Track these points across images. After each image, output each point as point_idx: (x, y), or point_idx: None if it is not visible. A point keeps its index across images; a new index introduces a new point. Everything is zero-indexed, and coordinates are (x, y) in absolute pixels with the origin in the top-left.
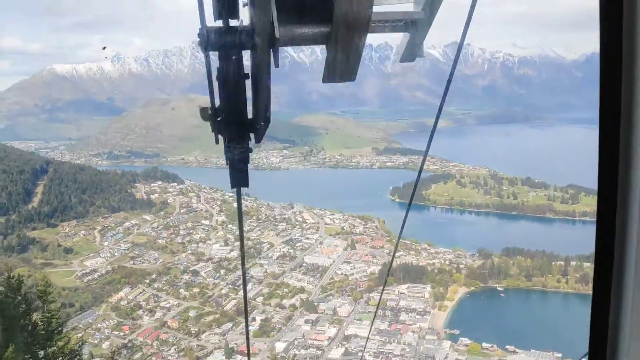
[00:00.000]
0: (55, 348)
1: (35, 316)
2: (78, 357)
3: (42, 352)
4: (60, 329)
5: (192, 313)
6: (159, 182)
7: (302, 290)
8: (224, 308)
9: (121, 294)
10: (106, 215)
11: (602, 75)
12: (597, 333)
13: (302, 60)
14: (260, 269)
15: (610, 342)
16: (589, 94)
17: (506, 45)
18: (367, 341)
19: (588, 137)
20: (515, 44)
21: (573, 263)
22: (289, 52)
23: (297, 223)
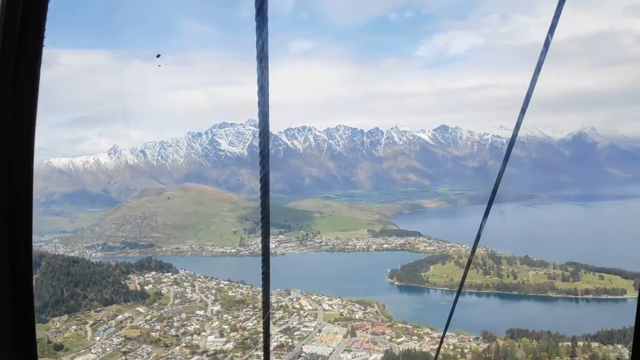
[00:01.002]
0: None
1: None
2: None
3: None
4: None
5: None
6: (153, 273)
7: None
8: None
9: None
10: (98, 309)
11: None
12: None
13: (295, 147)
14: None
15: None
16: (578, 171)
17: (493, 127)
18: None
19: (582, 214)
20: (502, 126)
21: (580, 343)
22: (282, 140)
23: (294, 310)
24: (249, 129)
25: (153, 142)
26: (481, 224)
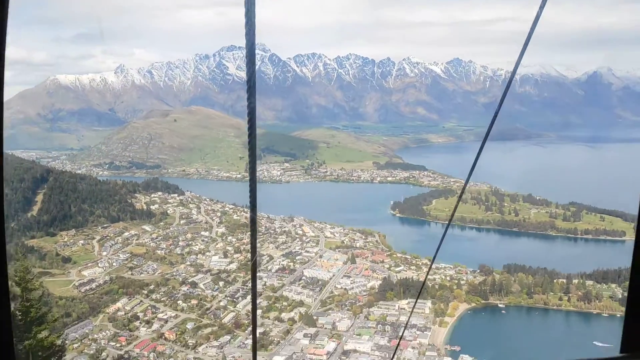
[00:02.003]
0: (34, 341)
1: (13, 306)
2: (60, 351)
3: (19, 346)
4: (40, 320)
5: (189, 325)
6: (159, 193)
7: (301, 303)
8: (222, 320)
9: (119, 304)
10: (105, 225)
11: None
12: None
13: (304, 74)
14: (259, 281)
15: None
16: (590, 112)
17: (508, 63)
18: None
19: (589, 156)
20: None
21: (575, 281)
22: (291, 67)
23: (297, 236)
24: (258, 53)
25: (160, 63)
26: (475, 160)
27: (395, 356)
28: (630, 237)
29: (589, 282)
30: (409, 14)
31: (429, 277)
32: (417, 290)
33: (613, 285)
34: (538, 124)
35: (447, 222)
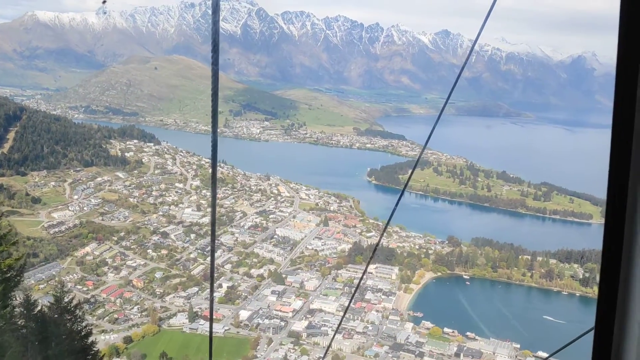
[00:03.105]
0: None
1: None
2: (18, 274)
3: None
4: None
5: (158, 274)
6: (135, 141)
7: (271, 261)
8: (191, 272)
9: (87, 249)
10: (78, 169)
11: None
12: (602, 333)
13: (291, 32)
14: (231, 237)
15: (616, 349)
16: (570, 95)
17: (495, 40)
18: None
19: (566, 138)
20: (504, 39)
21: (539, 258)
22: (278, 23)
23: (272, 195)
24: (245, 6)
25: (144, 8)
26: (431, 131)
27: (353, 317)
28: (598, 221)
29: (553, 261)
30: None
31: (399, 244)
32: (386, 256)
33: (575, 266)
34: (519, 103)
35: (422, 193)
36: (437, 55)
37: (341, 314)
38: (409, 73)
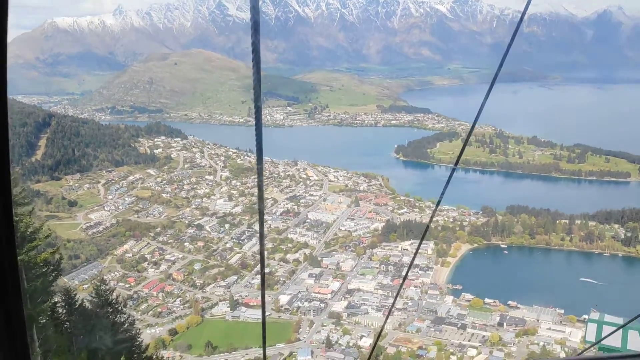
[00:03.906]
0: (25, 257)
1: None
2: (55, 269)
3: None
4: (33, 236)
5: (197, 266)
6: (162, 137)
7: (305, 245)
8: (229, 262)
9: (126, 246)
10: (110, 169)
11: None
12: None
13: (306, 15)
14: (265, 224)
15: None
16: (598, 52)
17: (515, 2)
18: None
19: (595, 97)
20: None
21: (578, 222)
22: (293, 7)
23: (301, 180)
24: None
25: (159, 4)
26: (483, 102)
27: (398, 295)
28: (636, 178)
29: (592, 223)
30: None
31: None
32: (421, 232)
33: (616, 226)
34: (545, 65)
35: (451, 165)
36: (456, 23)
37: (380, 292)
38: (428, 44)
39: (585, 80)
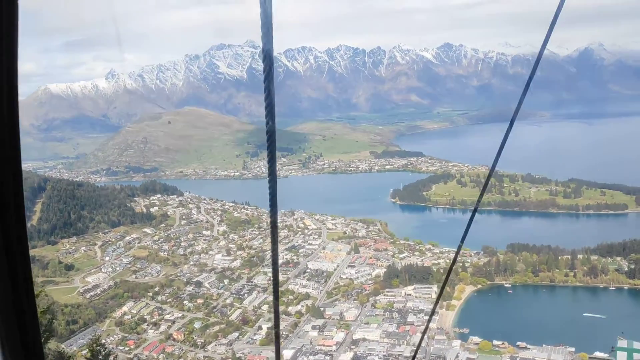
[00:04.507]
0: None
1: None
2: (46, 330)
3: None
4: (45, 330)
5: (197, 324)
6: (158, 195)
7: (307, 296)
8: (229, 318)
9: (125, 308)
10: (106, 231)
11: None
12: None
13: (295, 68)
14: (264, 277)
15: None
16: (583, 89)
17: (499, 45)
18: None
19: (585, 132)
20: (508, 43)
21: (580, 256)
22: (282, 61)
23: (299, 229)
24: (248, 50)
25: (151, 66)
26: (499, 149)
27: (418, 348)
28: (633, 209)
29: (594, 257)
30: (396, 2)
31: (433, 262)
32: (423, 275)
33: (618, 259)
34: (532, 103)
35: (449, 207)
36: (442, 68)
37: (386, 340)
38: (416, 90)
39: (573, 116)
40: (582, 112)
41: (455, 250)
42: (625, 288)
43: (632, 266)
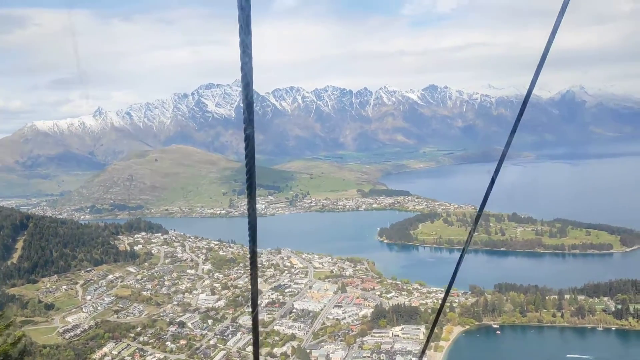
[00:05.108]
0: None
1: None
2: None
3: None
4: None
5: None
6: (143, 233)
7: (293, 337)
8: (213, 359)
9: (105, 349)
10: (89, 269)
11: None
12: None
13: (283, 108)
14: (249, 317)
15: None
16: (566, 130)
17: (482, 87)
18: None
19: (568, 172)
20: (491, 85)
21: (567, 296)
22: (270, 101)
23: (285, 268)
24: (236, 90)
25: (139, 104)
26: (489, 187)
27: None
28: (618, 249)
29: (581, 297)
30: (383, 45)
31: (421, 302)
32: (411, 316)
33: (605, 299)
34: (516, 144)
35: (436, 246)
36: (427, 109)
37: None
38: (402, 130)
39: (557, 157)
40: (566, 153)
41: (444, 290)
42: (613, 328)
43: (619, 306)
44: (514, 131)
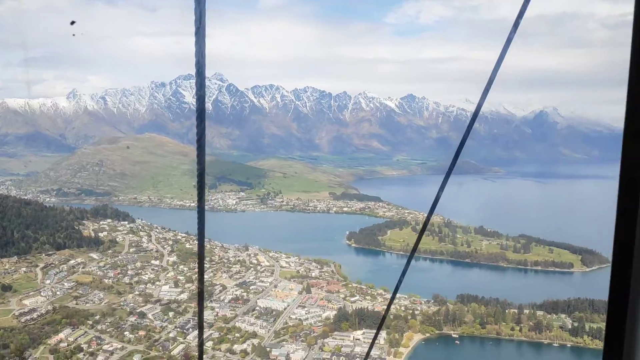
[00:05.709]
0: None
1: None
2: None
3: None
4: None
5: (136, 357)
6: (109, 220)
7: (254, 335)
8: (171, 352)
9: (61, 335)
10: (50, 252)
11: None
12: None
13: (261, 105)
14: (211, 312)
15: None
16: (536, 149)
17: (459, 101)
18: None
19: (536, 190)
20: (468, 100)
21: (526, 311)
22: (249, 97)
23: (251, 265)
24: (215, 83)
25: (114, 89)
26: (437, 195)
27: None
28: (579, 269)
29: (540, 313)
30: (365, 51)
31: (384, 307)
32: (373, 320)
33: (563, 316)
34: (488, 159)
35: (403, 253)
36: (403, 118)
37: None
38: (377, 136)
39: (526, 174)
40: (535, 171)
41: (407, 297)
42: (568, 345)
43: (576, 324)
44: (461, 145)
